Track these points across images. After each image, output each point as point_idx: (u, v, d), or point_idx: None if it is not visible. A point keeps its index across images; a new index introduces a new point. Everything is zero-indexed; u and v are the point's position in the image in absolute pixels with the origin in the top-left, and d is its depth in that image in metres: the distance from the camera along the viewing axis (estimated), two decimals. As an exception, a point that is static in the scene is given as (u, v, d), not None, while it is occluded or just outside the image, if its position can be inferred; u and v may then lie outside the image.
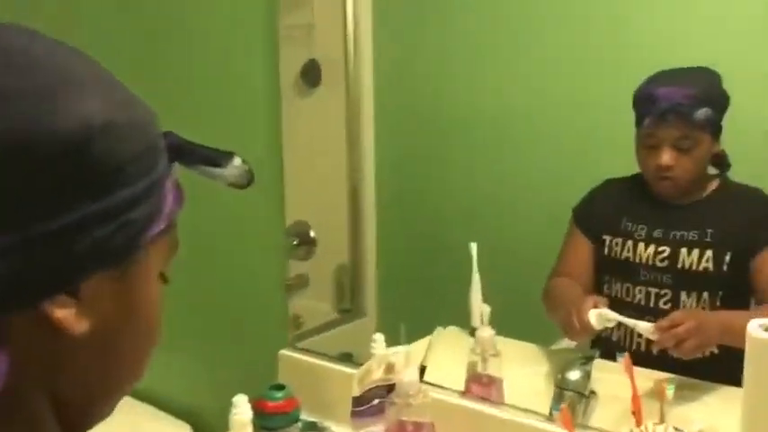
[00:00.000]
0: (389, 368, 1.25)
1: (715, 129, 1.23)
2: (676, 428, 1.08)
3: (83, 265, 0.41)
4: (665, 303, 1.28)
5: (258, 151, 1.60)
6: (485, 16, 1.66)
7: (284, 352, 1.56)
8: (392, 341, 1.31)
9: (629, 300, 1.31)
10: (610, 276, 1.34)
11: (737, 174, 1.29)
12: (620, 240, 1.32)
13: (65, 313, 0.41)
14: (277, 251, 1.63)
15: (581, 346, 1.34)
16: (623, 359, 1.14)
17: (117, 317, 0.45)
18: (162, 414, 1.78)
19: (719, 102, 1.22)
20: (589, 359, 1.23)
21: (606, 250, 1.34)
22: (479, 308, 1.36)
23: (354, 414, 1.28)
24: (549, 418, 1.20)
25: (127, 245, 0.43)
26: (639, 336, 1.25)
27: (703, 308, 1.26)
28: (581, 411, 1.19)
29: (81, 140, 0.40)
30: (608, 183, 1.38)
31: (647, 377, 1.19)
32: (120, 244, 0.42)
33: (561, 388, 1.19)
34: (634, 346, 1.29)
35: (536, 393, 1.27)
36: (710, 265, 1.24)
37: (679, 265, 1.26)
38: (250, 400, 1.26)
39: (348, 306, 1.88)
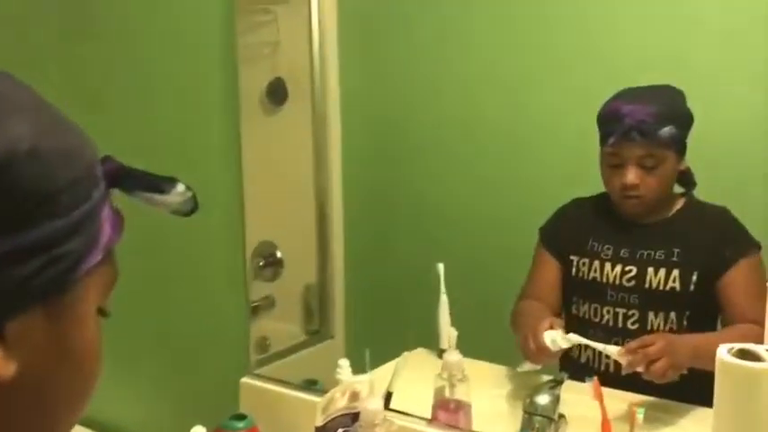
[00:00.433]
0: (354, 396, 1.22)
1: (680, 146, 1.23)
2: (646, 452, 1.06)
3: (5, 304, 0.38)
4: (632, 324, 1.26)
5: (218, 172, 1.57)
6: (452, 28, 1.65)
7: (246, 380, 1.53)
8: (359, 364, 1.28)
9: (597, 320, 1.29)
10: (578, 297, 1.33)
11: (703, 192, 1.29)
12: (587, 260, 1.31)
13: None
14: (238, 274, 1.59)
15: (549, 368, 1.32)
16: (592, 383, 1.13)
17: (50, 357, 0.42)
18: (119, 445, 1.73)
19: (684, 119, 1.22)
20: (558, 383, 1.21)
21: (574, 271, 1.32)
22: (447, 329, 1.34)
23: (318, 443, 1.24)
24: (518, 444, 1.18)
25: (57, 280, 0.40)
26: (608, 357, 1.24)
27: (671, 328, 1.25)
28: (550, 436, 1.16)
29: (2, 166, 0.37)
30: (575, 202, 1.37)
31: (617, 398, 1.17)
32: (49, 279, 0.40)
33: (529, 413, 1.17)
34: (603, 368, 1.27)
35: (504, 418, 1.25)
36: (677, 285, 1.23)
37: (646, 285, 1.25)
38: (209, 431, 1.23)
39: (316, 327, 1.85)
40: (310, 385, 1.49)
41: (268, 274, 1.79)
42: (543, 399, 1.18)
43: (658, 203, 1.28)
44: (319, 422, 1.19)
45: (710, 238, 1.25)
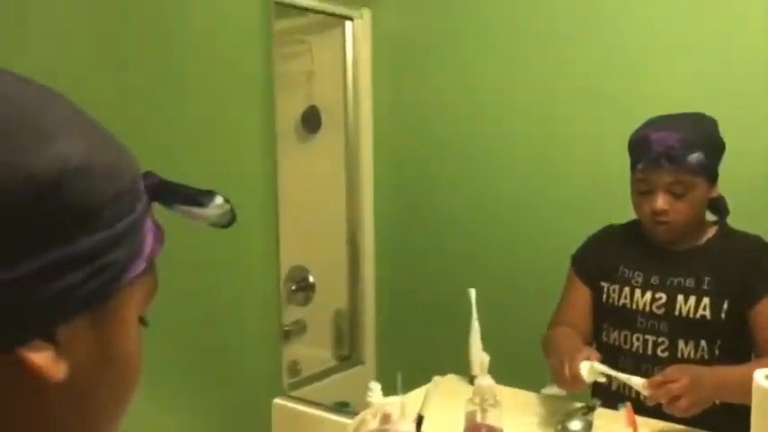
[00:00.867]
0: (385, 418, 1.22)
1: (710, 173, 1.22)
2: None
3: (55, 310, 0.40)
4: (662, 351, 1.25)
5: (254, 197, 1.60)
6: (484, 60, 1.68)
7: (278, 401, 1.54)
8: (390, 389, 1.29)
9: (627, 347, 1.29)
10: (608, 324, 1.32)
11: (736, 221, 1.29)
12: (617, 287, 1.30)
13: (41, 358, 0.40)
14: (271, 297, 1.62)
15: (580, 394, 1.32)
16: (625, 409, 1.12)
17: (94, 363, 0.44)
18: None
19: (714, 147, 1.22)
20: (591, 409, 1.20)
21: (604, 297, 1.32)
22: (479, 355, 1.34)
23: (349, 465, 1.25)
24: (549, 470, 1.18)
25: (104, 289, 0.42)
26: (640, 384, 1.23)
27: (702, 356, 1.23)
28: (582, 463, 1.16)
29: (54, 183, 0.39)
30: (606, 229, 1.37)
31: (649, 426, 1.16)
32: (96, 288, 0.41)
33: (561, 439, 1.16)
34: (635, 395, 1.26)
35: (535, 444, 1.24)
36: (708, 313, 1.22)
37: (676, 313, 1.24)
38: (243, 451, 1.24)
39: (347, 353, 1.87)
40: (341, 407, 1.50)
41: (300, 299, 1.82)
42: (575, 425, 1.18)
43: (688, 230, 1.27)
44: (350, 444, 1.20)
45: (741, 267, 1.23)
